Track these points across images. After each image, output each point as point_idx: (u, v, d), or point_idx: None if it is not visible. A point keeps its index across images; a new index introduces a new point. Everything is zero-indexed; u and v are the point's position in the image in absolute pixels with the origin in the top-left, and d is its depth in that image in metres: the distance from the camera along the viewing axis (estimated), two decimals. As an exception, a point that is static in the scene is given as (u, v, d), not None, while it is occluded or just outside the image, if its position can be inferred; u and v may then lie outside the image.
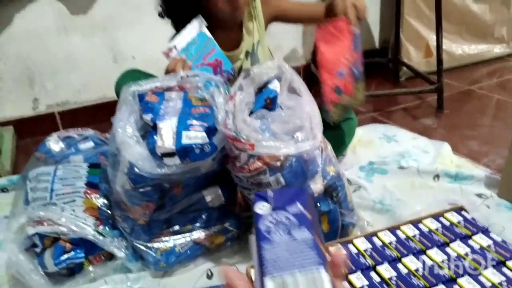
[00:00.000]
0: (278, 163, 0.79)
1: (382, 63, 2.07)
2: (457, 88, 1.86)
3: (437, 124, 1.56)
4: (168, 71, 0.98)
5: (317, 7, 1.14)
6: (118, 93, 1.06)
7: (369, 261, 0.78)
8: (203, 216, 0.91)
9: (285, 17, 1.19)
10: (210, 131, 0.81)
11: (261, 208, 0.37)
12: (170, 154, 0.77)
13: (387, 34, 2.14)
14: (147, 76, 1.13)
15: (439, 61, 1.62)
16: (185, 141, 0.77)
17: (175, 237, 0.90)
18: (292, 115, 0.83)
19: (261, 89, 0.88)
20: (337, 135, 1.17)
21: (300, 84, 0.88)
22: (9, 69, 1.60)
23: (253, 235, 0.35)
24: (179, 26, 1.07)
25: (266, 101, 0.84)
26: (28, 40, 1.58)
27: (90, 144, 1.11)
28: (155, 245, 0.89)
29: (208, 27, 1.04)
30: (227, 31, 1.12)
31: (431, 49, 1.88)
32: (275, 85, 0.86)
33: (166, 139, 0.77)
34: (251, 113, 0.82)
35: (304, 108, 0.84)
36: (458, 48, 2.08)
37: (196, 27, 1.00)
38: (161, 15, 1.09)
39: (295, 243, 0.33)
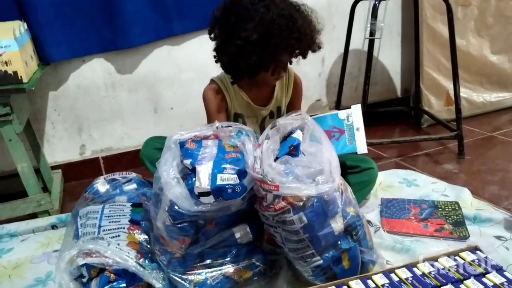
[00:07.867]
0: (301, 203, 0.88)
1: (404, 111, 2.16)
2: (479, 135, 1.91)
3: (458, 169, 1.61)
4: None
5: None
6: (143, 160, 1.24)
7: (386, 295, 0.83)
8: (233, 252, 0.99)
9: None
10: (241, 174, 0.91)
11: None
12: (206, 194, 0.87)
13: (408, 84, 2.24)
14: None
15: (458, 109, 1.69)
16: (219, 182, 0.87)
17: (207, 270, 0.98)
18: (313, 161, 0.92)
19: (286, 137, 0.99)
20: (359, 182, 1.26)
21: (320, 133, 0.98)
22: (62, 119, 1.76)
23: None
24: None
25: (290, 148, 0.94)
26: (80, 94, 1.75)
27: (133, 185, 1.22)
28: (189, 277, 0.97)
29: (244, 85, 1.23)
30: (261, 89, 1.26)
31: (452, 98, 1.96)
32: (298, 134, 0.97)
33: (203, 180, 0.88)
34: (276, 158, 0.93)
35: (324, 155, 0.94)
36: (480, 96, 2.14)
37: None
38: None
39: None
